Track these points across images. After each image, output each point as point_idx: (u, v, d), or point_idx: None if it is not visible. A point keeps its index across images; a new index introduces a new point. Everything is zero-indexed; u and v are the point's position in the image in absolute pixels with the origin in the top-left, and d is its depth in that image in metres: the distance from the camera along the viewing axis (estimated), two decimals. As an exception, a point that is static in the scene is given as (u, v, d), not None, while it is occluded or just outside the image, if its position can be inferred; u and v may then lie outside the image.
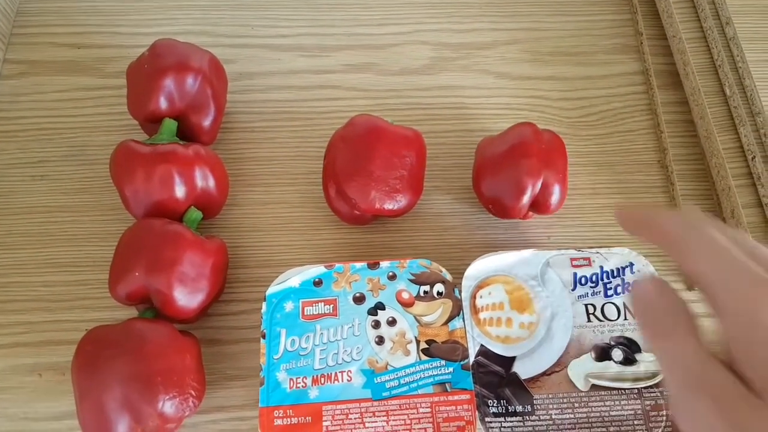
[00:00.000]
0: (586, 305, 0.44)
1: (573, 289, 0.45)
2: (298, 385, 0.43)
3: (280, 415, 0.42)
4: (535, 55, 0.61)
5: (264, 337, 0.44)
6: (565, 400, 0.41)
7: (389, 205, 0.48)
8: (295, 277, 0.46)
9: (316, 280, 0.46)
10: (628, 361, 0.42)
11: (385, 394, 0.42)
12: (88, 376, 0.41)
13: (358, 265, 0.47)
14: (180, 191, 0.47)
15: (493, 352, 0.43)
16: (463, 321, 0.44)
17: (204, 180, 0.48)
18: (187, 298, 0.45)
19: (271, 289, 0.46)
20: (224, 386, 0.48)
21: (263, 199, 0.55)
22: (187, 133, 0.52)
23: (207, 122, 0.52)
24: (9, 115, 0.58)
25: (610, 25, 0.63)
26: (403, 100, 0.59)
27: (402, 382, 0.42)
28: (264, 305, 0.45)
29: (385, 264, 0.46)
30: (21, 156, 0.56)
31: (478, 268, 0.46)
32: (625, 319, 0.44)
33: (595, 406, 0.41)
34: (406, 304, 0.45)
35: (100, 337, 0.43)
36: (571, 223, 0.53)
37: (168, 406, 0.41)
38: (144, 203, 0.47)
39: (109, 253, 0.51)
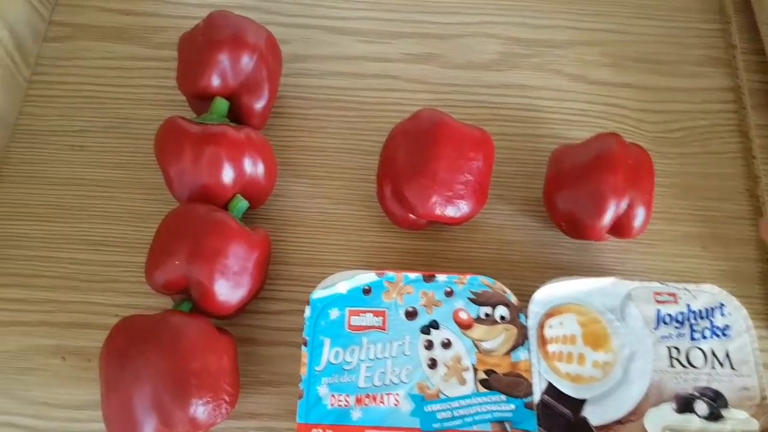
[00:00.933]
0: (669, 348, 0.38)
1: (655, 328, 0.39)
2: (340, 403, 0.37)
3: (319, 434, 0.37)
4: (615, 59, 0.55)
5: (306, 344, 0.39)
6: (639, 454, 0.36)
7: (451, 213, 0.43)
8: (342, 283, 0.41)
9: (365, 287, 0.41)
10: (714, 416, 0.36)
11: (435, 425, 0.37)
12: (117, 369, 0.37)
13: (412, 275, 0.41)
14: (228, 177, 0.42)
15: (562, 392, 0.37)
16: (529, 352, 0.38)
17: (253, 167, 0.43)
18: (228, 292, 0.40)
19: (317, 293, 0.41)
20: (257, 391, 0.43)
21: (309, 192, 0.50)
22: (237, 115, 0.47)
23: (259, 105, 0.46)
24: (51, 79, 0.53)
25: (699, 34, 0.56)
26: (467, 96, 0.53)
27: (455, 414, 0.37)
28: (308, 310, 0.40)
29: (441, 278, 0.41)
30: (61, 123, 0.52)
31: (549, 293, 0.40)
32: (713, 368, 0.38)
33: (673, 465, 0.35)
34: (464, 326, 0.39)
35: (133, 327, 0.38)
36: (648, 251, 0.47)
37: (200, 411, 0.36)
38: (189, 186, 0.42)
39: (146, 235, 0.47)
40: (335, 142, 0.51)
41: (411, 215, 0.44)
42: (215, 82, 0.44)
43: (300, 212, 0.49)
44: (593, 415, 0.37)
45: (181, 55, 0.46)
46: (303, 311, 0.44)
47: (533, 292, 0.41)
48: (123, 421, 0.37)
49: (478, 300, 0.40)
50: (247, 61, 0.45)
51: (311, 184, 0.50)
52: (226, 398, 0.38)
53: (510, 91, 0.53)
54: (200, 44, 0.45)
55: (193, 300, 0.41)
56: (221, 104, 0.45)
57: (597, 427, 0.36)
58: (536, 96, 0.53)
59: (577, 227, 0.42)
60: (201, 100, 0.46)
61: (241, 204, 0.43)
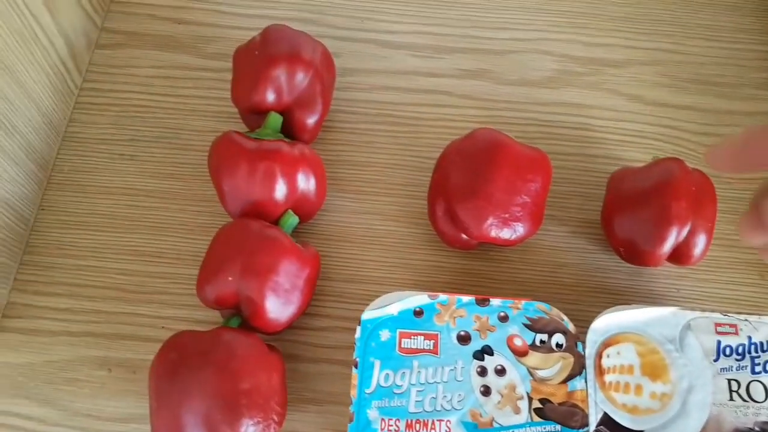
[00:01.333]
0: (729, 380, 0.39)
1: (715, 360, 0.39)
2: (391, 427, 0.38)
3: (369, 458, 0.38)
4: (673, 80, 0.55)
5: (356, 366, 0.40)
6: (698, 491, 0.36)
7: (506, 235, 0.43)
8: (393, 304, 0.42)
9: (417, 309, 0.42)
10: (776, 453, 0.37)
11: (488, 454, 0.37)
12: (168, 384, 0.38)
13: (465, 298, 0.42)
14: (280, 193, 0.43)
15: (618, 423, 0.38)
16: (586, 382, 0.39)
17: (306, 183, 0.45)
18: (278, 310, 0.41)
19: (367, 314, 0.41)
20: (299, 409, 0.44)
21: (356, 208, 0.51)
22: (288, 129, 0.48)
23: (311, 120, 0.48)
24: (102, 87, 0.55)
25: (760, 56, 0.56)
26: (520, 113, 0.54)
27: (509, 443, 0.37)
28: (358, 330, 0.41)
29: (495, 302, 0.42)
30: (112, 132, 0.53)
31: (608, 321, 0.40)
32: (775, 402, 0.38)
33: (733, 503, 0.35)
34: (519, 353, 0.40)
35: (185, 343, 0.39)
36: (704, 278, 0.47)
37: (251, 431, 0.37)
38: (241, 201, 0.43)
39: (194, 247, 0.49)
40: (384, 157, 0.52)
41: (463, 236, 0.45)
42: (270, 97, 0.46)
43: (347, 228, 0.50)
44: (651, 448, 0.37)
45: (236, 69, 0.47)
46: (348, 329, 0.45)
47: (586, 316, 0.42)
48: (172, 436, 0.38)
49: (533, 326, 0.40)
50: (302, 78, 0.46)
51: (359, 200, 0.51)
52: (275, 418, 0.39)
53: (564, 110, 0.54)
54: (256, 59, 0.46)
55: (242, 315, 0.42)
56: (275, 119, 0.46)
57: (655, 461, 0.37)
58: (591, 115, 0.54)
59: (635, 253, 0.43)
60: (254, 113, 0.47)
61: (292, 220, 0.45)
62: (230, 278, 0.41)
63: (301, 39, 0.47)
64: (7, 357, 0.46)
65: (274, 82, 0.45)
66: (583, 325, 0.41)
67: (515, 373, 0.39)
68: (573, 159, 0.52)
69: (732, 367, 0.39)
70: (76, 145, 0.53)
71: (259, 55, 0.46)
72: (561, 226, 0.49)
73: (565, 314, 0.41)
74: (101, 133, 0.53)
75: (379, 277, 0.48)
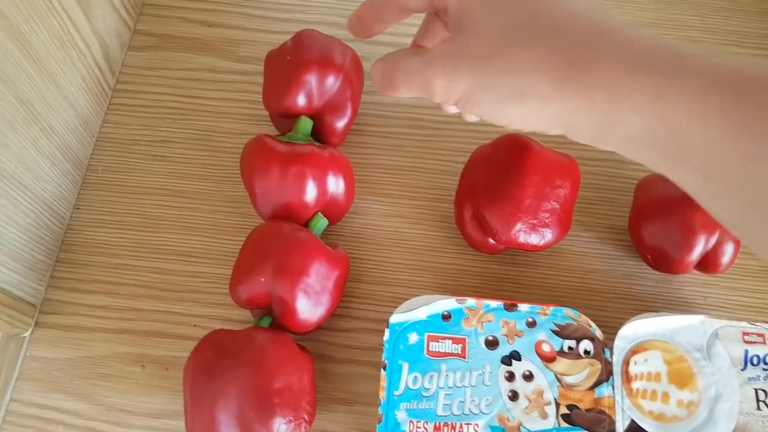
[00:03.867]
0: (756, 390, 0.39)
1: (743, 369, 0.39)
2: (419, 429, 0.39)
3: (397, 460, 0.38)
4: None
5: (385, 368, 0.41)
6: (724, 499, 0.36)
7: (534, 241, 0.44)
8: (421, 308, 0.42)
9: (445, 313, 0.42)
10: (802, 463, 0.37)
11: (516, 457, 0.38)
12: (203, 383, 0.39)
13: (493, 303, 0.42)
14: (311, 195, 0.44)
15: (645, 430, 0.38)
16: (613, 389, 0.39)
17: (335, 186, 0.45)
18: (309, 311, 0.42)
19: (395, 318, 0.42)
20: (329, 409, 0.45)
21: (384, 211, 0.51)
22: (318, 132, 0.49)
23: (341, 124, 0.49)
24: (133, 89, 0.56)
25: None
26: (547, 118, 0.54)
27: (537, 447, 0.38)
28: (387, 333, 0.42)
29: (524, 307, 0.42)
30: (144, 133, 0.54)
31: (635, 328, 0.41)
32: (802, 413, 0.38)
33: None
34: (547, 359, 0.40)
35: (219, 342, 0.41)
36: (731, 285, 0.47)
37: (282, 430, 0.38)
38: (273, 203, 0.45)
39: (226, 247, 0.50)
40: (411, 161, 0.53)
41: (491, 240, 0.45)
42: (301, 101, 0.46)
43: (374, 230, 0.51)
44: (677, 456, 0.37)
45: (268, 73, 0.48)
46: (376, 330, 0.46)
47: (613, 322, 0.42)
48: (206, 432, 0.39)
49: (561, 333, 0.41)
50: (332, 82, 0.47)
51: (386, 203, 0.52)
52: (306, 417, 0.40)
53: (591, 115, 0.54)
54: (288, 63, 0.47)
55: (273, 316, 0.43)
56: (306, 123, 0.47)
57: (681, 469, 0.37)
58: (618, 120, 0.54)
59: (663, 260, 0.43)
60: (284, 117, 0.48)
61: (322, 222, 0.46)
62: (263, 279, 0.42)
63: (331, 44, 0.48)
64: (45, 352, 0.48)
65: (305, 87, 0.46)
66: (611, 331, 0.41)
67: (543, 379, 0.40)
68: (601, 164, 0.52)
69: (759, 376, 0.39)
70: (109, 145, 0.54)
71: (291, 59, 0.46)
72: (588, 231, 0.50)
73: (593, 320, 0.42)
74: (134, 134, 0.55)
75: (407, 279, 0.49)
